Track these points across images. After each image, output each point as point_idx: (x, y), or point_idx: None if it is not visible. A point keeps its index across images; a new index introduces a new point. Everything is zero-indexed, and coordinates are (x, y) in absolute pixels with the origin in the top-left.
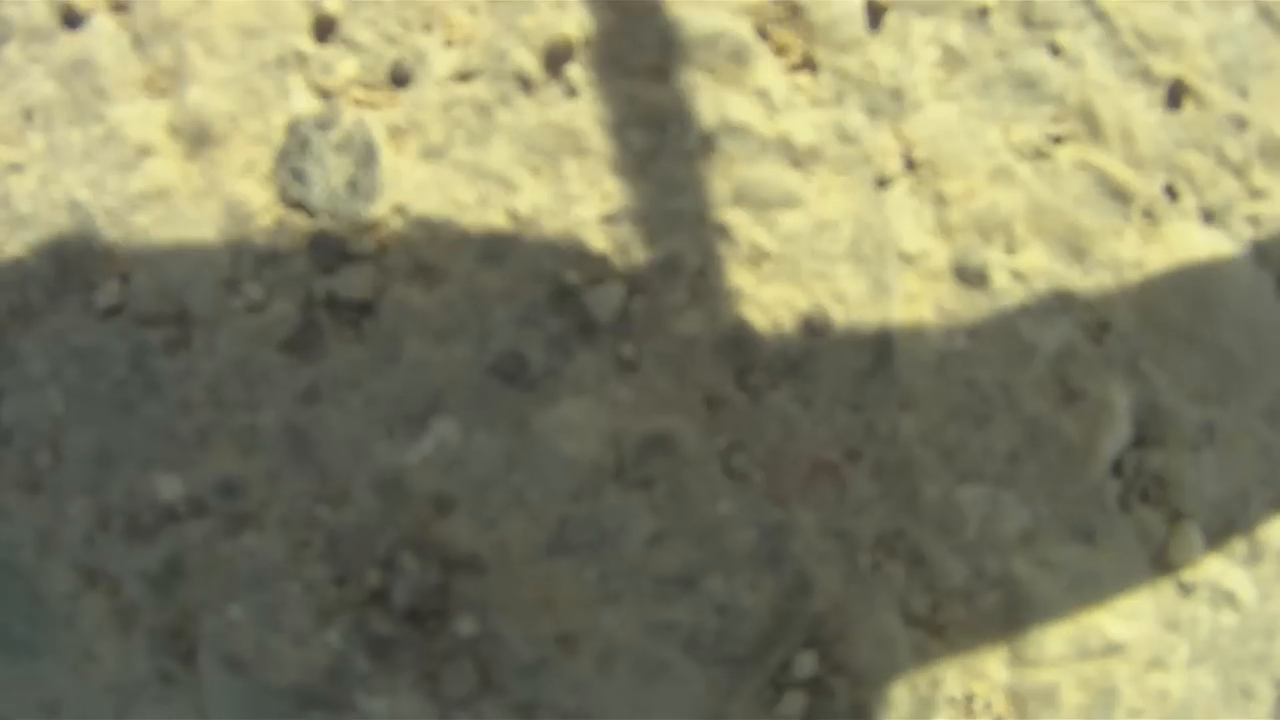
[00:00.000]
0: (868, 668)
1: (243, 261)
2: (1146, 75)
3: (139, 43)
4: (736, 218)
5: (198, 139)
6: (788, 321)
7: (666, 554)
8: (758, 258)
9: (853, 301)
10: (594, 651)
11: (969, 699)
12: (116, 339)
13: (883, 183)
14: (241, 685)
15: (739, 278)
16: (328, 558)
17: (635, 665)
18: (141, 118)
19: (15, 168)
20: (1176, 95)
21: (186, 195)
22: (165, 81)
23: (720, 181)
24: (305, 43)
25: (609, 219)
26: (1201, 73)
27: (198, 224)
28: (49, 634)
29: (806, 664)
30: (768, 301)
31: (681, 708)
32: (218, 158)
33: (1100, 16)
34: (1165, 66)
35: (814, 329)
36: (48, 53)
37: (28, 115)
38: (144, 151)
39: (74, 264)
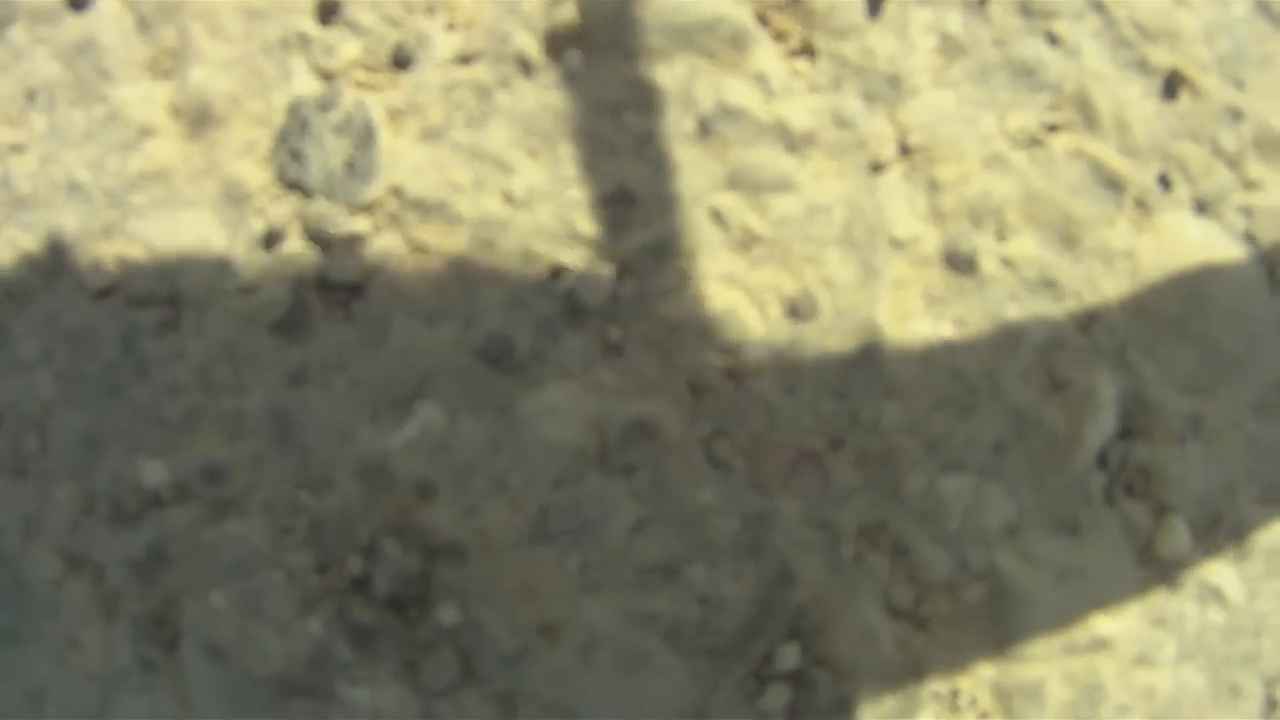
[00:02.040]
0: (851, 661)
1: (236, 242)
2: (1143, 66)
3: (143, 24)
4: (729, 201)
5: (199, 120)
6: (775, 307)
7: (648, 543)
8: (748, 241)
9: (841, 287)
10: (575, 641)
11: (954, 694)
12: (109, 320)
13: (877, 168)
14: (223, 674)
15: (729, 262)
16: (310, 544)
17: (616, 655)
18: (144, 98)
19: (16, 148)
20: (1172, 86)
21: (185, 176)
22: (168, 62)
23: (715, 165)
24: (308, 24)
25: (603, 202)
26: (1198, 64)
27: (195, 205)
28: (32, 621)
29: (789, 656)
30: (756, 286)
31: (664, 699)
32: (218, 138)
33: (1098, 6)
34: (1162, 57)
35: (801, 314)
36: (52, 34)
37: (30, 96)
38: (145, 132)
39: (69, 244)
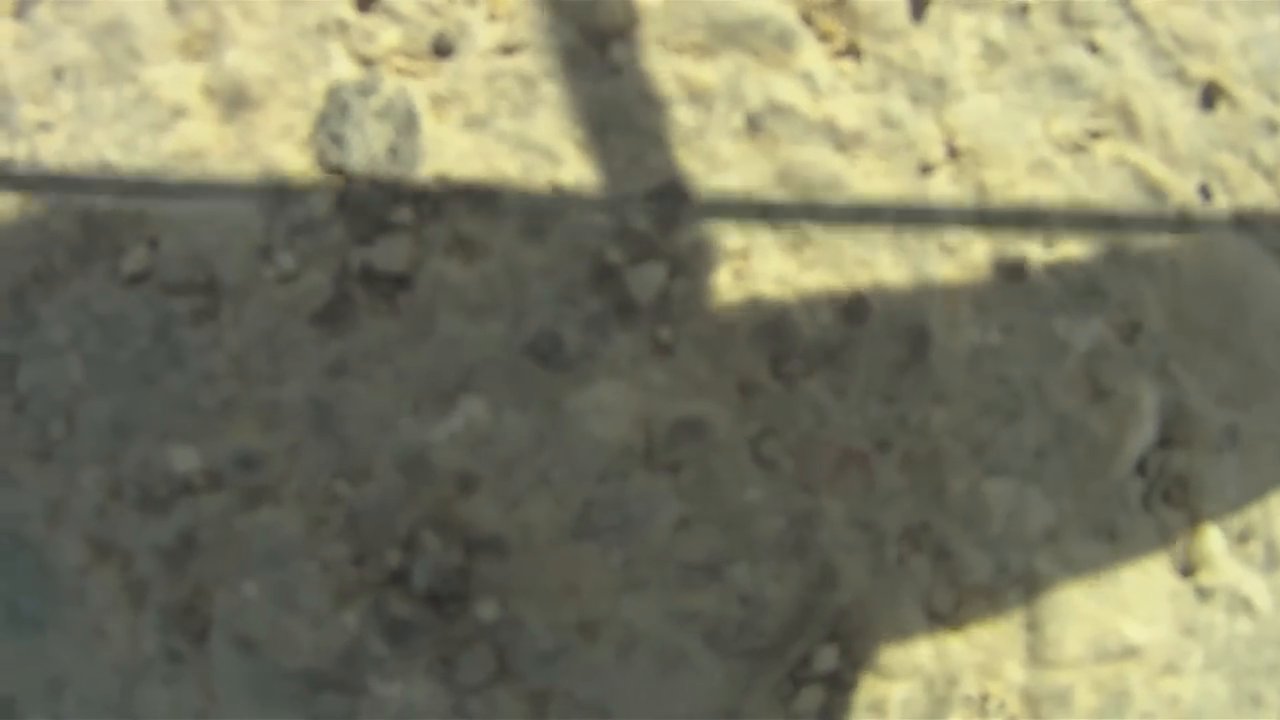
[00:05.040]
0: (887, 663)
1: (276, 229)
2: (1181, 76)
3: (175, 6)
4: (781, 199)
5: (234, 101)
6: (826, 309)
7: (692, 540)
8: (800, 243)
9: (892, 290)
10: (614, 639)
11: (984, 699)
12: (141, 307)
13: (926, 170)
14: (252, 666)
15: (780, 262)
16: (347, 536)
17: (655, 654)
18: (176, 79)
19: (44, 127)
20: (1210, 97)
21: (221, 158)
22: (201, 44)
23: (765, 162)
24: (346, 11)
25: (653, 196)
26: (1235, 76)
27: (231, 188)
28: (56, 608)
29: (827, 658)
30: (808, 287)
31: (698, 700)
32: (254, 120)
33: (1136, 17)
34: (1200, 68)
35: (852, 317)
36: (80, 14)
37: (58, 75)
38: (178, 113)
39: (101, 227)
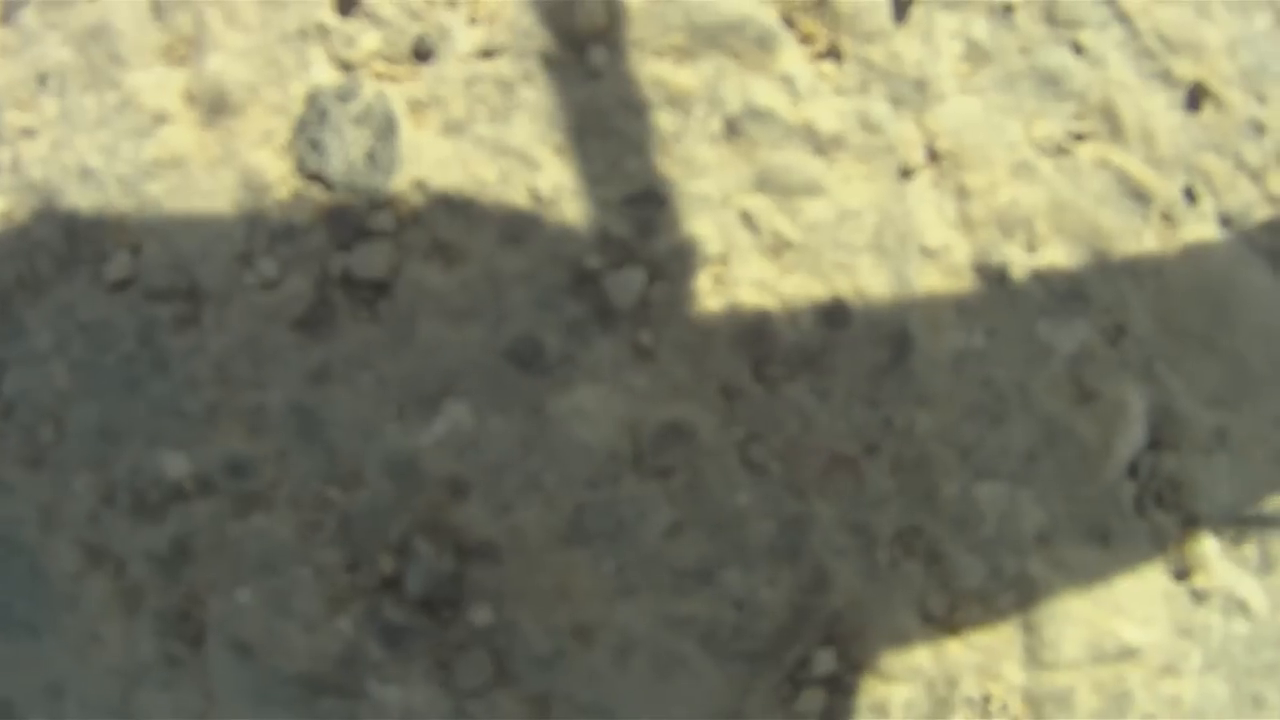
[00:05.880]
0: (886, 666)
1: (257, 235)
2: (1167, 77)
3: (158, 10)
4: (759, 204)
5: (215, 107)
6: (807, 313)
7: (684, 545)
8: (779, 247)
9: (873, 294)
10: (610, 644)
11: (985, 700)
12: (125, 313)
13: (906, 173)
14: (250, 671)
15: (760, 267)
16: (339, 541)
17: (652, 659)
18: (158, 85)
19: (27, 133)
20: (1196, 98)
21: (201, 164)
22: (184, 49)
23: (743, 166)
24: (327, 15)
25: (631, 201)
26: (1221, 77)
27: (212, 195)
28: (51, 614)
29: (825, 661)
30: (788, 292)
31: (698, 703)
32: (234, 126)
33: (1123, 18)
34: (1186, 69)
35: (833, 321)
36: (65, 18)
37: (41, 80)
38: (159, 119)
39: (84, 234)
